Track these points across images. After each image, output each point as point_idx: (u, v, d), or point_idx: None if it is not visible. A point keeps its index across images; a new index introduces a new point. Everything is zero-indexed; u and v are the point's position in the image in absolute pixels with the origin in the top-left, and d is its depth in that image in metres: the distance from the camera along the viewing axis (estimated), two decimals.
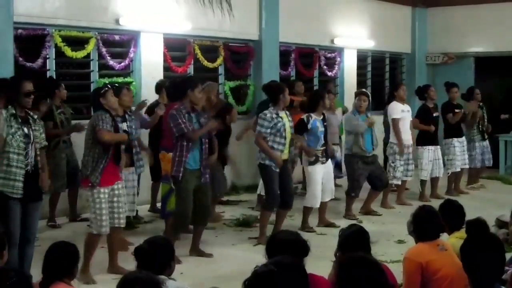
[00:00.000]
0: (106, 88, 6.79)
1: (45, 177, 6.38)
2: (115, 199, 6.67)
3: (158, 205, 9.57)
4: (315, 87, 13.52)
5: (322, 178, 8.81)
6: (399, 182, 10.66)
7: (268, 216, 8.26)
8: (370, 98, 10.05)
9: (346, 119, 10.13)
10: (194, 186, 7.29)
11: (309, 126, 8.65)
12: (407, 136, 10.55)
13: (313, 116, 8.72)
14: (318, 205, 8.89)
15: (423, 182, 11.08)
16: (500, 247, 3.59)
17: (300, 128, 8.67)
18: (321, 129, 8.72)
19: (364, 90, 10.26)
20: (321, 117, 8.83)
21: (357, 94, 9.96)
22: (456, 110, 11.40)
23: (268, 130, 7.97)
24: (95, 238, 6.65)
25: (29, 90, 6.17)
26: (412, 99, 12.50)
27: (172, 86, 8.10)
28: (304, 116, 8.79)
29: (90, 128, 6.65)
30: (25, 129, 6.12)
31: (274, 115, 8.02)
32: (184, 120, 7.13)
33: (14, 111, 6.10)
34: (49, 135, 8.77)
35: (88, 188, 6.57)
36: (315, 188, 8.78)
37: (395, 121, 10.47)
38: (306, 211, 8.92)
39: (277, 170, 8.03)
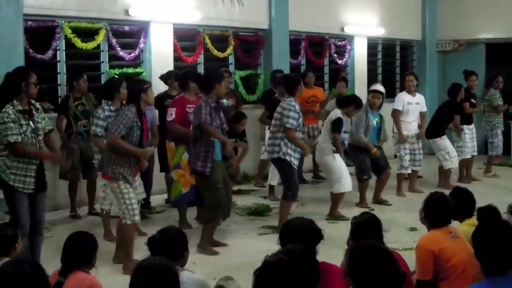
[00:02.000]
0: (148, 84, 6.71)
1: (58, 157, 6.53)
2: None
3: None
4: (326, 76, 13.50)
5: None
6: (409, 171, 10.62)
7: (290, 207, 8.27)
8: (384, 97, 9.82)
9: (356, 118, 9.69)
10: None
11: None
12: (413, 127, 10.55)
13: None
14: (351, 188, 9.01)
15: (448, 170, 10.96)
16: None
17: (337, 127, 8.93)
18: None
19: (378, 89, 9.92)
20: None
21: (370, 92, 9.84)
22: (472, 100, 11.38)
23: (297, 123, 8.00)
24: (130, 228, 6.55)
25: (36, 80, 6.12)
26: (423, 88, 12.44)
27: (199, 80, 8.04)
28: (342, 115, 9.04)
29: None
30: (31, 124, 6.05)
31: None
32: (207, 112, 7.14)
33: (20, 107, 5.99)
34: (58, 128, 8.78)
35: (112, 181, 6.49)
36: (345, 171, 8.92)
37: (397, 112, 10.46)
38: (335, 198, 8.95)
39: (296, 164, 8.10)
